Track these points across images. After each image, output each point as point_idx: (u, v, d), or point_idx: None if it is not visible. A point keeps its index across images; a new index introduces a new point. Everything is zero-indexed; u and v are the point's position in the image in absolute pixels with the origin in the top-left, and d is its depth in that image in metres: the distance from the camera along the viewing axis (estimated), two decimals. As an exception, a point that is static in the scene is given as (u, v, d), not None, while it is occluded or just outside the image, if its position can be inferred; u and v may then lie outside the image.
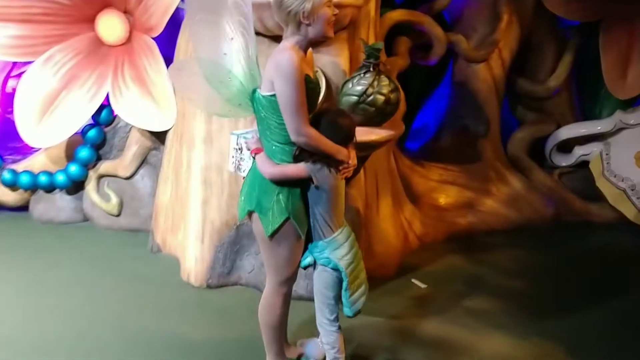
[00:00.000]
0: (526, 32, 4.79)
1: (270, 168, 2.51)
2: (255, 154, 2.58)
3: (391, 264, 3.87)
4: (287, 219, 2.52)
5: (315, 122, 2.50)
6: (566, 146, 4.92)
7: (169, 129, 4.13)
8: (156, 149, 4.44)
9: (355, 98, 3.25)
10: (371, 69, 3.29)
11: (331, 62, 3.46)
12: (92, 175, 4.49)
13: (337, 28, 3.38)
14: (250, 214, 2.61)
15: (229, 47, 2.61)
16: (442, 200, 4.55)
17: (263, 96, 2.50)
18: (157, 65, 4.12)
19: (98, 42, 4.31)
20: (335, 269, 2.60)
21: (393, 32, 4.33)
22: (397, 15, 4.30)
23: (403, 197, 4.19)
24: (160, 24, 4.06)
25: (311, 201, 2.56)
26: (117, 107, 4.22)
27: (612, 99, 4.95)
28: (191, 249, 3.73)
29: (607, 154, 4.64)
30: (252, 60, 2.59)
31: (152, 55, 4.15)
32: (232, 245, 3.70)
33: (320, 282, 2.65)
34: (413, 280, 3.85)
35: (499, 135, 4.87)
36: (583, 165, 4.86)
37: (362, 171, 3.63)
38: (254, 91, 2.57)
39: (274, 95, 2.45)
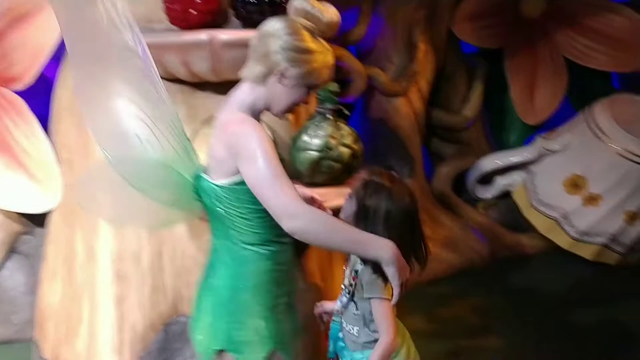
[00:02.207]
0: (440, 61, 4.55)
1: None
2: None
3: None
4: (273, 350, 1.89)
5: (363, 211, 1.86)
6: (486, 177, 4.74)
7: (51, 209, 3.19)
8: (29, 234, 3.45)
9: (315, 154, 2.66)
10: (328, 116, 2.72)
11: (272, 110, 2.84)
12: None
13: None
14: (219, 353, 1.89)
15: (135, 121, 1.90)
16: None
17: (220, 186, 1.83)
18: (27, 126, 3.17)
19: None
20: None
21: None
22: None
23: (350, 257, 3.65)
24: (28, 73, 3.13)
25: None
26: (-27, 186, 3.18)
27: (518, 124, 4.90)
28: (107, 365, 2.85)
29: (532, 183, 4.50)
30: (179, 132, 1.92)
31: (16, 114, 3.19)
32: (160, 353, 2.89)
33: None
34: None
35: (424, 173, 4.56)
36: (505, 195, 4.70)
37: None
38: (198, 178, 1.89)
39: (236, 183, 1.79)
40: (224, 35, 2.50)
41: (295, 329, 1.99)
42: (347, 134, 2.73)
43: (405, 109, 4.41)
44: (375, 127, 4.46)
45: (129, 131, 1.87)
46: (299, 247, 2.88)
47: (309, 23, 1.80)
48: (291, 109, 1.89)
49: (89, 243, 2.93)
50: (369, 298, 1.90)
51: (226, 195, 1.82)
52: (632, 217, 4.24)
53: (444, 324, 3.74)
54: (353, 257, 2.00)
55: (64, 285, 3.15)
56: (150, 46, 2.62)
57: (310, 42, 1.79)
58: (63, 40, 3.06)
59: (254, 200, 1.79)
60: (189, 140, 1.97)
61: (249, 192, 1.79)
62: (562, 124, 4.59)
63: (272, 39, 1.79)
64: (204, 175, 1.87)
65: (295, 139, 2.74)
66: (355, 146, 2.74)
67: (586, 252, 4.34)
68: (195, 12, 2.61)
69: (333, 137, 2.66)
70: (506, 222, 4.68)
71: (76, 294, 3.09)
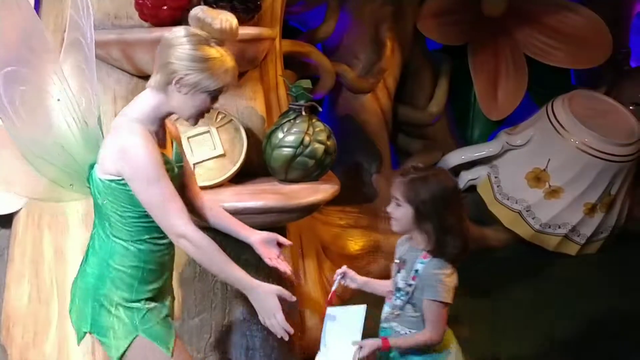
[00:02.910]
0: (406, 58, 4.60)
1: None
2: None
3: (325, 336, 3.31)
4: (137, 338, 1.96)
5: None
6: (451, 172, 4.80)
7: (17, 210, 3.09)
8: (-9, 235, 3.34)
9: (290, 151, 2.66)
10: (302, 113, 2.73)
11: (246, 107, 2.83)
12: None
13: (251, 66, 2.80)
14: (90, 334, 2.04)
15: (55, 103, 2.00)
16: (352, 247, 4.12)
17: (101, 180, 1.90)
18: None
19: None
20: None
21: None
22: (282, 46, 3.78)
23: (321, 253, 3.66)
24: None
25: None
26: None
27: (482, 120, 4.99)
28: (77, 368, 2.79)
29: (496, 177, 4.60)
30: (92, 122, 1.99)
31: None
32: (134, 353, 2.84)
33: None
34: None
35: (391, 169, 4.60)
36: (471, 189, 4.78)
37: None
38: (92, 167, 1.95)
39: (114, 181, 1.87)
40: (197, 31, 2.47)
41: (164, 318, 2.02)
42: (320, 130, 2.74)
43: (373, 106, 4.44)
44: (343, 124, 4.47)
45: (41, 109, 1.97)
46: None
47: (203, 31, 1.87)
48: (197, 115, 1.94)
49: (58, 243, 2.87)
50: (429, 299, 1.93)
51: (105, 190, 1.90)
52: (592, 209, 4.38)
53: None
54: (409, 256, 2.00)
55: (32, 287, 3.05)
56: (120, 42, 2.61)
57: (205, 50, 1.85)
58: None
59: (130, 202, 1.89)
60: (102, 131, 2.01)
61: (125, 193, 1.88)
62: (524, 120, 4.71)
63: (170, 49, 1.86)
64: (96, 166, 1.93)
65: (269, 135, 2.73)
66: (328, 142, 2.74)
67: (548, 243, 4.47)
68: (166, 8, 2.58)
69: (307, 134, 2.67)
70: (471, 216, 4.70)
71: (45, 296, 3.01)
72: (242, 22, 2.64)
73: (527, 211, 4.46)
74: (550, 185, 4.40)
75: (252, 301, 1.94)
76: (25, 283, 3.07)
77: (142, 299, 1.97)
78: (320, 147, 2.69)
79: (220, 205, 2.26)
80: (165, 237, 1.96)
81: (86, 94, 2.00)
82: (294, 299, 1.97)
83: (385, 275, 4.10)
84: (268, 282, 2.82)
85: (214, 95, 1.91)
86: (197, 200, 2.16)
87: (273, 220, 2.63)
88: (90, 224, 2.74)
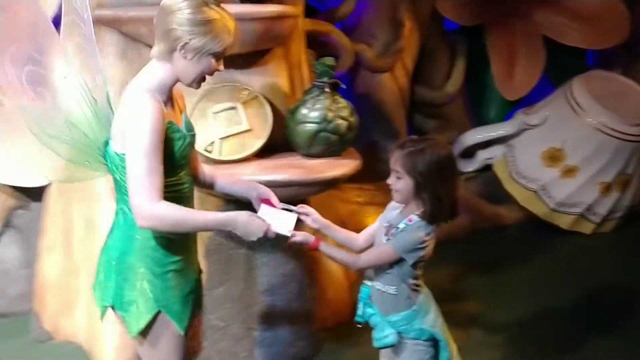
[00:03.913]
0: (423, 38, 4.64)
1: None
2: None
3: (345, 308, 3.40)
4: (159, 312, 1.94)
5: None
6: (467, 151, 4.87)
7: (47, 183, 3.20)
8: (23, 208, 3.45)
9: (314, 126, 2.74)
10: (325, 90, 2.80)
11: (270, 84, 2.90)
12: None
13: (275, 43, 2.87)
14: (112, 309, 1.99)
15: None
16: (368, 223, 4.17)
17: (117, 154, 1.89)
18: (22, 100, 3.16)
19: None
20: (431, 339, 2.10)
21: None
22: (302, 25, 3.85)
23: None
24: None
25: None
26: (-31, 160, 3.16)
27: (498, 100, 5.03)
28: (108, 335, 2.89)
29: (512, 156, 4.65)
30: (101, 99, 1.99)
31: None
32: (161, 321, 2.95)
33: None
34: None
35: (409, 137, 4.66)
36: (486, 168, 4.84)
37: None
38: (107, 143, 1.95)
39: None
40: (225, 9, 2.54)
41: (186, 296, 2.00)
42: (343, 107, 2.81)
43: (390, 85, 4.50)
44: (361, 102, 4.51)
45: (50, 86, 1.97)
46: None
47: None
48: (201, 79, 1.92)
49: (88, 216, 2.97)
50: (389, 244, 2.01)
51: (121, 163, 1.87)
52: (607, 188, 4.43)
53: (428, 287, 3.86)
54: (396, 221, 2.07)
55: (63, 258, 3.18)
56: (147, 20, 2.68)
57: (205, 12, 1.82)
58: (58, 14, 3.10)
59: None
60: (111, 106, 2.02)
61: None
62: (540, 100, 4.74)
63: (169, 16, 1.83)
64: (110, 142, 1.93)
65: (293, 111, 2.81)
66: (351, 119, 2.82)
67: (563, 221, 4.52)
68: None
69: (330, 110, 2.74)
70: (486, 195, 4.79)
71: (75, 267, 3.13)
72: (268, 0, 2.73)
73: (542, 190, 4.51)
74: (566, 165, 4.45)
75: (237, 232, 1.90)
76: (56, 253, 3.19)
77: (167, 271, 1.94)
78: (342, 123, 2.77)
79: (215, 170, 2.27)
80: (185, 205, 1.92)
81: (90, 72, 2.00)
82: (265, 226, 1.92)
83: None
84: (291, 251, 2.95)
85: (219, 57, 1.89)
86: (199, 169, 2.17)
87: (296, 194, 2.71)
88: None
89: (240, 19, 2.54)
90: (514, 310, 3.61)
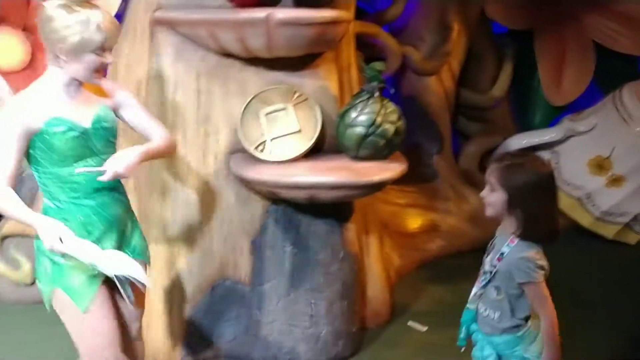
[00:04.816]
0: (471, 41, 4.63)
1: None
2: None
3: (385, 309, 3.45)
4: (55, 290, 2.11)
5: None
6: (510, 156, 4.84)
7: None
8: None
9: (362, 130, 2.78)
10: (375, 94, 2.84)
11: (320, 87, 2.95)
12: (-7, 237, 3.53)
13: (327, 47, 2.92)
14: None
15: None
16: (410, 225, 4.22)
17: None
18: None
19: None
20: None
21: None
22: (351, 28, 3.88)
23: (382, 230, 3.78)
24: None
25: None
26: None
27: (544, 105, 4.98)
28: (157, 322, 3.00)
29: (556, 163, 4.61)
30: None
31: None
32: (206, 313, 3.04)
33: None
34: (410, 323, 3.47)
35: (452, 151, 4.66)
36: (529, 174, 4.81)
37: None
38: None
39: None
40: (280, 13, 2.61)
41: (93, 277, 2.11)
42: (391, 111, 2.84)
43: (436, 88, 4.50)
44: (406, 105, 4.50)
45: None
46: (339, 217, 3.04)
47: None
48: (94, 74, 2.04)
49: (142, 208, 3.06)
50: (522, 283, 1.95)
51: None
52: (655, 199, 4.38)
53: (467, 295, 3.89)
54: (499, 239, 2.04)
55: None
56: (206, 22, 2.77)
57: (66, 16, 1.95)
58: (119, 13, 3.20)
59: (36, 164, 2.07)
60: None
61: (33, 157, 2.05)
62: (587, 106, 4.68)
63: (43, 26, 2.00)
64: None
65: (342, 114, 2.85)
66: (398, 123, 2.85)
67: (607, 231, 4.47)
68: (252, -5, 2.70)
69: (379, 114, 2.78)
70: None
71: (126, 257, 3.25)
72: (321, 5, 2.77)
73: (587, 198, 4.47)
74: (612, 174, 4.39)
75: (38, 232, 2.00)
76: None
77: (65, 255, 2.02)
78: (391, 128, 2.80)
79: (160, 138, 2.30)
80: (88, 198, 2.09)
81: None
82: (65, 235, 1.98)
83: (442, 255, 4.24)
84: (336, 251, 3.01)
85: (101, 51, 2.00)
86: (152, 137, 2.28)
87: (343, 195, 2.77)
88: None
89: (294, 23, 2.65)
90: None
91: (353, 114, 2.80)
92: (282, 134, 2.84)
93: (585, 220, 4.51)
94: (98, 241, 2.10)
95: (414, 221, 4.29)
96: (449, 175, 4.58)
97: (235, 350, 3.07)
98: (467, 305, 2.13)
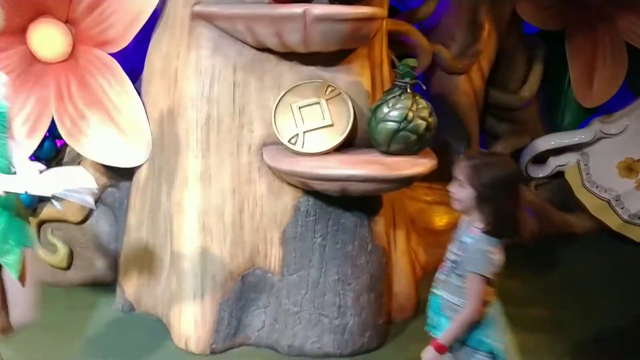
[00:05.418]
0: (501, 41, 4.63)
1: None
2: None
3: (410, 303, 3.49)
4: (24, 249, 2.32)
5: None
6: (539, 157, 4.84)
7: (138, 165, 3.42)
8: (113, 186, 3.69)
9: (394, 125, 2.83)
10: (407, 90, 2.88)
11: (353, 83, 3.01)
12: (32, 221, 3.62)
13: (361, 43, 2.97)
14: None
15: None
16: (436, 222, 4.25)
17: None
18: (120, 86, 3.38)
19: (31, 59, 3.49)
20: (491, 352, 2.14)
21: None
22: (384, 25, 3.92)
23: (410, 225, 3.82)
24: (124, 37, 3.32)
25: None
26: (70, 140, 3.42)
27: (573, 107, 4.96)
28: (188, 309, 3.09)
29: (585, 165, 4.60)
30: None
31: (110, 74, 3.40)
32: (237, 301, 3.12)
33: None
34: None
35: (479, 150, 4.67)
36: (558, 175, 4.80)
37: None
38: None
39: None
40: (317, 10, 2.67)
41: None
42: (423, 107, 2.89)
43: (466, 87, 4.51)
44: (435, 103, 4.47)
45: None
46: (368, 211, 3.09)
47: None
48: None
49: (177, 197, 3.15)
50: (469, 270, 2.05)
51: None
52: (685, 203, 4.34)
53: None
54: (461, 230, 2.13)
55: (149, 234, 3.39)
56: (245, 17, 2.84)
57: None
58: (158, 7, 3.29)
59: None
60: None
61: None
62: (618, 108, 4.65)
63: None
64: None
65: (374, 109, 2.90)
66: (430, 119, 2.90)
67: (636, 234, 4.44)
68: (289, -10, 2.76)
69: (411, 110, 2.82)
70: (556, 202, 4.75)
71: (160, 243, 3.33)
72: (356, 2, 2.83)
73: (616, 200, 4.45)
74: (642, 177, 4.37)
75: None
76: (143, 230, 3.41)
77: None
78: (422, 123, 2.85)
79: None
80: None
81: None
82: None
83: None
84: (365, 244, 3.06)
85: None
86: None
87: (375, 189, 2.82)
88: (207, 181, 3.05)
89: (330, 19, 2.71)
90: (580, 318, 3.59)
91: (385, 109, 2.84)
92: (315, 127, 2.90)
93: (613, 222, 4.49)
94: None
95: (440, 219, 4.31)
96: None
97: (263, 338, 3.14)
98: (432, 290, 2.22)
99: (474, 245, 2.06)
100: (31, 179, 2.25)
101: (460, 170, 2.07)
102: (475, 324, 2.11)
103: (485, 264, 2.04)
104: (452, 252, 2.14)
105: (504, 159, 2.12)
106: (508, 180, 2.03)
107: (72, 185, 2.25)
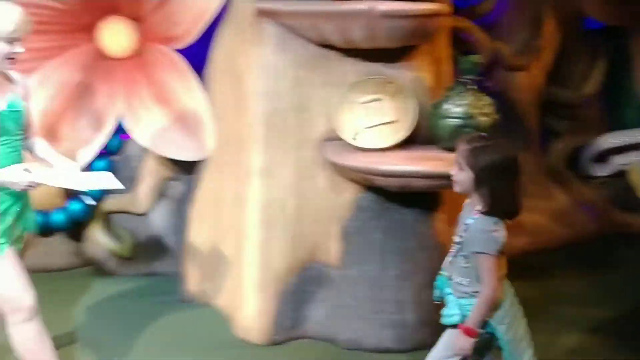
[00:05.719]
0: (563, 37, 4.55)
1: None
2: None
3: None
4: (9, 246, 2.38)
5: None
6: (601, 155, 4.73)
7: (201, 159, 3.51)
8: (176, 180, 3.80)
9: (457, 121, 2.83)
10: (470, 87, 2.87)
11: (414, 79, 3.02)
12: (99, 212, 3.78)
13: (423, 40, 2.98)
14: None
15: None
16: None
17: None
18: (186, 82, 3.49)
19: (100, 56, 3.63)
20: (490, 333, 2.19)
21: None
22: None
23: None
24: (190, 33, 3.43)
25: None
26: (137, 134, 3.55)
27: (636, 105, 4.83)
28: (250, 300, 3.16)
29: (649, 164, 4.48)
30: None
31: (176, 71, 3.51)
32: (297, 294, 3.17)
33: None
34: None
35: (539, 148, 4.61)
36: (619, 174, 4.69)
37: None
38: None
39: None
40: (382, 6, 2.70)
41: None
42: (486, 104, 2.88)
43: (526, 83, 4.45)
44: (495, 100, 4.53)
45: None
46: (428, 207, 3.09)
47: None
48: (8, 60, 2.29)
49: (239, 190, 3.23)
50: (476, 252, 2.10)
51: None
52: None
53: (548, 291, 3.82)
54: (465, 212, 2.20)
55: (211, 227, 3.48)
56: (308, 14, 2.89)
57: None
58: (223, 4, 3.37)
59: None
60: None
61: None
62: (685, 107, 4.52)
63: None
64: None
65: (436, 106, 2.90)
66: (493, 116, 2.88)
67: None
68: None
69: (474, 107, 2.82)
70: (617, 201, 4.66)
71: (222, 236, 3.42)
72: (421, -1, 2.84)
73: (680, 201, 4.32)
74: None
75: (6, 181, 2.28)
76: (205, 223, 3.51)
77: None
78: (485, 120, 2.84)
79: (43, 143, 2.58)
80: None
81: None
82: None
83: (527, 252, 4.22)
84: (424, 240, 3.06)
85: (9, 42, 2.25)
86: (31, 138, 2.52)
87: (436, 185, 2.82)
88: (269, 175, 3.12)
89: (395, 15, 2.73)
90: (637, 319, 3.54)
91: (447, 106, 2.85)
92: (377, 123, 2.93)
93: (677, 224, 4.36)
94: (4, 214, 2.37)
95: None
96: (535, 172, 4.52)
97: (322, 331, 3.17)
98: (441, 272, 2.29)
99: (475, 226, 2.12)
100: (72, 175, 2.41)
101: (460, 153, 2.15)
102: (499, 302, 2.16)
103: (489, 242, 2.10)
104: (458, 234, 2.21)
105: (502, 143, 2.17)
106: (505, 163, 2.10)
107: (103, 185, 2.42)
